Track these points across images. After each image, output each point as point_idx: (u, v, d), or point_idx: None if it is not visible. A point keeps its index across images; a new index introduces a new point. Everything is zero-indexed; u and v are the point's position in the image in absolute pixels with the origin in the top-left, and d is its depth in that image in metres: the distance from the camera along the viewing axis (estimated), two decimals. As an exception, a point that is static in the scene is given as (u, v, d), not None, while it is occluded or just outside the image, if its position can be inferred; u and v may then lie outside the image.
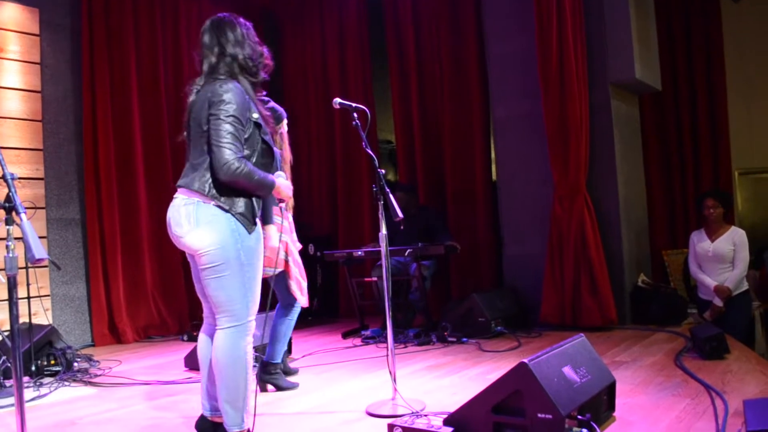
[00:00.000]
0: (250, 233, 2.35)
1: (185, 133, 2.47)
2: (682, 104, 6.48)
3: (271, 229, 3.33)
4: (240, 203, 2.33)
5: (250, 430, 2.42)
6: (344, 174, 7.10)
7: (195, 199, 2.31)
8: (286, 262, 3.51)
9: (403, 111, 6.74)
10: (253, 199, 2.40)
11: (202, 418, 2.58)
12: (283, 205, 2.69)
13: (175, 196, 2.40)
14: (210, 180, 2.31)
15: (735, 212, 6.25)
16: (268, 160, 2.47)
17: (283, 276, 3.54)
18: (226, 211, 2.30)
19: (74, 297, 5.68)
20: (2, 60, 5.30)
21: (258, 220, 2.43)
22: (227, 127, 2.26)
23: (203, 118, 2.32)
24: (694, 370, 3.43)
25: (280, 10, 7.71)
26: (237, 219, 2.32)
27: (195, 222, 2.30)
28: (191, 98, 2.45)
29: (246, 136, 2.35)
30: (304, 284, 3.62)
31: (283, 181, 2.52)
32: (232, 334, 2.34)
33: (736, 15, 6.44)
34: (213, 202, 2.30)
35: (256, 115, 2.40)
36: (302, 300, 3.58)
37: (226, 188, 2.31)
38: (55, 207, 5.59)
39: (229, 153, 2.24)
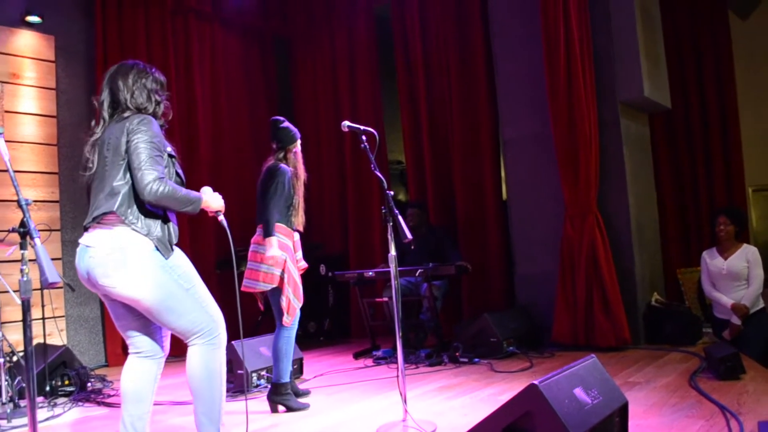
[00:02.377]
0: (167, 258, 2.36)
1: (92, 169, 2.43)
2: (693, 122, 6.47)
3: (271, 240, 3.47)
4: (156, 228, 2.36)
5: None
6: (355, 194, 7.13)
7: (117, 238, 2.30)
8: (281, 279, 3.53)
9: (413, 131, 6.77)
10: (170, 225, 2.43)
11: None
12: (221, 217, 2.62)
13: (87, 242, 2.35)
14: (132, 204, 2.33)
15: (750, 229, 6.20)
16: None
17: (278, 293, 3.56)
18: (145, 236, 2.32)
19: (88, 318, 5.73)
20: (19, 86, 5.41)
21: (175, 247, 2.44)
22: (148, 151, 2.31)
23: (122, 145, 2.34)
24: (708, 390, 3.39)
25: (291, 33, 7.82)
26: (155, 245, 2.33)
27: (124, 270, 2.28)
28: (90, 143, 2.45)
29: (164, 164, 2.39)
30: (296, 304, 3.59)
31: (210, 195, 2.54)
32: (206, 349, 2.40)
33: (745, 31, 6.45)
34: (131, 228, 2.30)
35: (169, 148, 2.48)
36: (285, 318, 3.55)
37: (144, 213, 2.34)
38: (69, 229, 5.66)
39: (150, 175, 2.27)
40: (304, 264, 3.71)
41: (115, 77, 2.50)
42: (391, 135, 7.43)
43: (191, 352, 2.41)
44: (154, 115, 2.51)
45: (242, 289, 3.58)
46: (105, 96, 2.50)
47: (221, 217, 2.59)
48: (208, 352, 2.40)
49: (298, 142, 3.77)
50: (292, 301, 3.56)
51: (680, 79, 6.42)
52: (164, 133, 2.54)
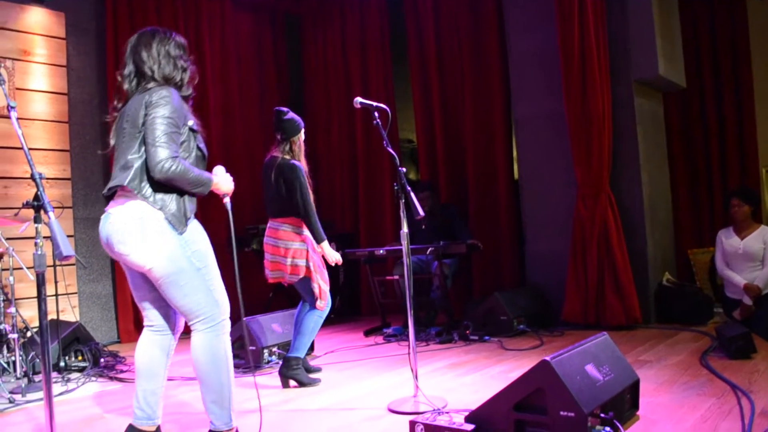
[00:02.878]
0: (180, 233, 2.32)
1: (113, 142, 2.43)
2: (707, 101, 6.38)
3: (325, 246, 3.60)
4: (172, 203, 2.32)
5: (237, 429, 2.44)
6: (366, 172, 7.12)
7: (133, 210, 2.28)
8: (308, 268, 3.61)
9: (425, 110, 6.73)
10: (185, 199, 2.38)
11: (130, 428, 2.46)
12: (227, 200, 2.57)
13: (108, 210, 2.35)
14: (144, 178, 2.30)
15: (762, 210, 6.14)
16: (202, 166, 2.46)
17: (307, 281, 3.62)
18: (159, 210, 2.29)
19: (101, 294, 5.78)
20: (30, 63, 5.41)
21: (191, 221, 2.40)
22: (163, 127, 2.26)
23: (140, 118, 2.31)
24: (719, 369, 3.38)
25: (302, 10, 7.75)
26: (168, 220, 2.30)
27: (140, 239, 2.28)
28: (119, 111, 2.44)
29: (182, 140, 2.35)
30: (326, 288, 3.67)
31: (222, 177, 2.50)
32: (209, 336, 2.36)
33: (762, 11, 6.32)
34: (145, 202, 2.28)
35: (191, 122, 2.41)
36: (319, 303, 3.63)
37: (158, 187, 2.30)
38: (81, 206, 5.69)
39: (163, 152, 2.23)
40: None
41: (138, 49, 2.44)
42: (402, 113, 7.38)
43: (194, 340, 2.37)
44: (182, 82, 2.47)
45: (270, 281, 3.72)
46: (130, 69, 2.44)
47: (227, 200, 2.55)
48: (212, 339, 2.36)
49: (302, 132, 3.77)
50: (322, 285, 3.64)
51: (695, 58, 6.33)
52: (192, 103, 2.51)
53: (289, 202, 3.61)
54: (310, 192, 3.67)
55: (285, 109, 3.76)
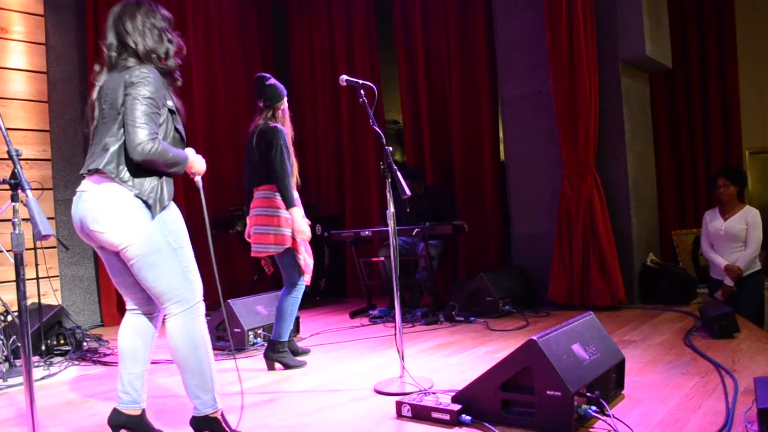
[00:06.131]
0: (153, 217, 2.27)
1: (94, 122, 2.36)
2: (693, 83, 6.40)
3: (295, 212, 3.44)
4: (150, 187, 2.27)
5: (223, 411, 2.40)
6: (351, 154, 7.08)
7: (109, 191, 2.23)
8: (294, 239, 3.50)
9: (411, 91, 6.69)
10: (164, 182, 2.32)
11: (115, 412, 2.43)
12: (198, 179, 2.51)
13: (82, 188, 2.30)
14: (122, 161, 2.24)
15: (746, 192, 6.18)
16: (180, 148, 2.40)
17: (290, 253, 3.52)
18: (137, 195, 2.24)
19: (83, 277, 5.71)
20: (7, 41, 5.28)
21: (169, 204, 2.35)
22: (143, 107, 2.20)
23: (119, 98, 2.25)
24: (703, 348, 3.41)
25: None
26: (145, 203, 2.25)
27: (116, 216, 2.22)
28: (96, 89, 2.38)
29: (160, 121, 2.29)
30: (310, 262, 3.61)
31: (193, 156, 2.46)
32: (184, 320, 2.30)
33: (748, -9, 6.34)
34: (123, 186, 2.23)
35: (170, 103, 2.36)
36: (306, 276, 3.57)
37: (136, 170, 2.25)
38: (62, 188, 5.60)
39: (143, 133, 2.17)
40: (307, 221, 3.66)
41: (122, 19, 2.35)
42: (387, 94, 7.33)
43: (170, 326, 2.30)
44: (167, 53, 2.39)
45: (252, 254, 3.56)
46: (111, 39, 2.36)
47: (198, 179, 2.50)
48: (188, 322, 2.30)
49: (285, 98, 3.69)
50: (307, 259, 3.56)
51: (682, 38, 6.33)
52: (179, 73, 2.44)
53: (273, 167, 3.47)
54: (293, 157, 3.56)
55: (266, 75, 3.66)
